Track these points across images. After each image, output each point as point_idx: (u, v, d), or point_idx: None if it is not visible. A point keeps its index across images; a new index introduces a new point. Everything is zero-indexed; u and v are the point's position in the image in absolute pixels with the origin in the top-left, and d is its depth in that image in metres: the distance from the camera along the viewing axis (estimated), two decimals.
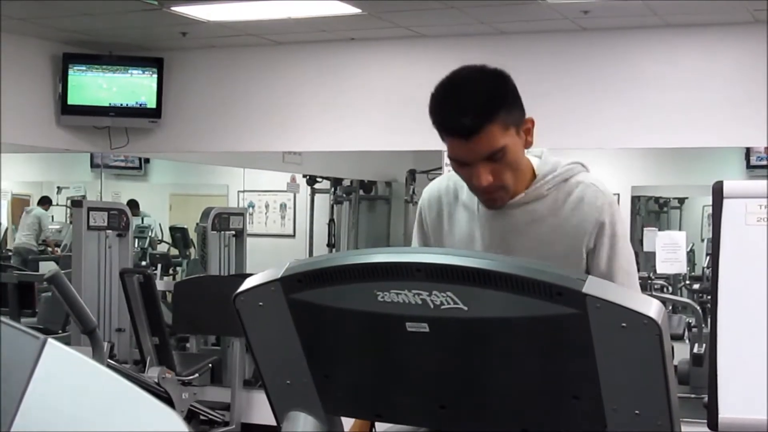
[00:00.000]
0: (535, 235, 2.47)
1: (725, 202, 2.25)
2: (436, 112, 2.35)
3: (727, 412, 2.12)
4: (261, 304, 1.81)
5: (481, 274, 1.61)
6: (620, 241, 2.47)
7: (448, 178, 2.63)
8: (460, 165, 2.39)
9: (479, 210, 2.52)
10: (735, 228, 2.23)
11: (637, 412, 1.64)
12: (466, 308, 1.63)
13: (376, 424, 2.14)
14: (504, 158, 2.35)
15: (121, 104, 7.69)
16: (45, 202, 11.39)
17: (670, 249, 6.86)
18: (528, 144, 2.44)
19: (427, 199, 2.66)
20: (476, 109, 2.30)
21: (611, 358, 1.61)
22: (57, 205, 11.58)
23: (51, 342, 0.94)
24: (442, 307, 1.64)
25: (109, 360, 5.45)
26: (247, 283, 1.83)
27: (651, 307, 1.57)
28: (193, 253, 10.06)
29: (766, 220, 2.22)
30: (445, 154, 6.67)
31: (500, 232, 2.49)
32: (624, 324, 1.57)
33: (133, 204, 10.41)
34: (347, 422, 2.03)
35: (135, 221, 9.39)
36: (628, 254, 2.49)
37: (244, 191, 9.99)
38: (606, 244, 2.45)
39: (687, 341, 7.71)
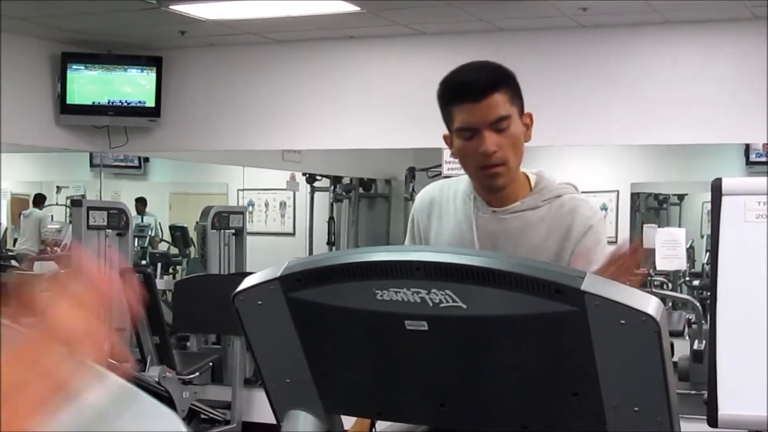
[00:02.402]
0: (527, 240, 2.53)
1: (724, 199, 2.25)
2: (448, 80, 2.52)
3: (726, 408, 2.12)
4: (260, 303, 1.81)
5: (480, 272, 1.61)
6: (601, 249, 2.52)
7: (441, 184, 2.75)
8: (467, 137, 2.49)
9: (474, 213, 2.58)
10: (734, 225, 2.23)
11: (636, 408, 1.65)
12: (464, 306, 1.63)
13: (377, 422, 2.14)
14: (509, 130, 2.47)
15: (120, 103, 7.68)
16: (40, 200, 11.34)
17: (670, 245, 6.86)
18: (527, 137, 2.54)
19: (419, 203, 2.74)
20: (488, 74, 2.50)
21: (610, 355, 1.62)
22: (57, 204, 11.58)
23: None
24: (441, 305, 1.64)
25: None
26: (246, 282, 1.83)
27: (649, 304, 1.58)
28: (193, 251, 10.06)
29: (765, 217, 2.22)
30: (445, 152, 6.70)
31: (493, 237, 2.55)
32: (623, 321, 1.57)
33: (141, 201, 10.45)
34: (347, 421, 2.03)
35: (137, 220, 9.41)
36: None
37: (243, 190, 9.99)
38: (587, 245, 2.51)
39: (687, 338, 7.71)
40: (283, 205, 10.14)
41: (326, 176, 9.69)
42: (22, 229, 11.12)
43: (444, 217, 2.64)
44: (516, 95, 2.52)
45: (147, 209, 10.74)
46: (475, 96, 2.44)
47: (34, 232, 10.98)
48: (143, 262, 10.06)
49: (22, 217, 11.23)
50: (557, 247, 2.52)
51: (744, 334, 2.15)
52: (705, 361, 6.53)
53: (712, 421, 2.12)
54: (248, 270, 8.14)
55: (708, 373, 2.14)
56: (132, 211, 8.56)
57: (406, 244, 2.77)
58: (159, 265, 10.07)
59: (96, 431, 0.93)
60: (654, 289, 7.89)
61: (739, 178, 2.39)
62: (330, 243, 9.64)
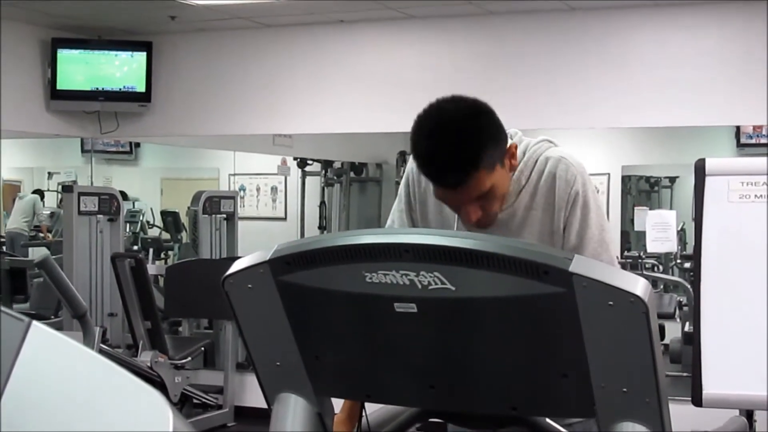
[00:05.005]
0: (519, 223, 2.48)
1: (707, 179, 2.25)
2: (420, 163, 2.30)
3: (711, 388, 2.13)
4: (250, 286, 1.81)
5: (468, 254, 1.62)
6: (591, 211, 2.45)
7: None
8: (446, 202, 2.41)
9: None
10: (717, 205, 2.23)
11: (625, 389, 1.65)
12: (453, 288, 1.63)
13: (366, 404, 2.14)
14: (492, 194, 2.34)
15: (111, 89, 7.67)
16: (38, 193, 11.43)
17: (661, 228, 6.87)
18: (513, 167, 2.42)
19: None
20: (461, 163, 2.25)
21: (598, 336, 1.62)
22: (48, 190, 11.58)
23: (35, 324, 0.94)
24: (430, 287, 1.64)
25: (101, 345, 5.45)
26: (236, 266, 1.83)
27: (637, 285, 1.58)
28: (184, 236, 10.06)
29: (747, 197, 2.22)
30: None
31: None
32: (611, 302, 1.58)
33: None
34: (337, 403, 2.04)
35: (126, 206, 9.41)
36: (601, 223, 2.48)
37: (235, 174, 9.99)
38: (578, 214, 2.44)
39: (678, 320, 7.74)
40: (274, 189, 10.14)
41: (317, 160, 9.69)
42: (15, 209, 11.13)
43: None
44: (495, 150, 2.30)
45: (133, 195, 10.73)
46: (450, 185, 2.28)
47: (26, 212, 11.01)
48: (135, 247, 10.07)
49: (17, 198, 11.25)
50: (549, 220, 2.46)
51: (727, 314, 2.16)
52: None
53: (697, 401, 2.13)
54: (239, 255, 8.14)
55: (692, 354, 2.14)
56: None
57: (396, 208, 2.70)
58: (151, 250, 10.08)
59: (82, 412, 0.93)
60: (645, 272, 7.92)
61: (723, 158, 2.38)
62: (321, 227, 9.65)
